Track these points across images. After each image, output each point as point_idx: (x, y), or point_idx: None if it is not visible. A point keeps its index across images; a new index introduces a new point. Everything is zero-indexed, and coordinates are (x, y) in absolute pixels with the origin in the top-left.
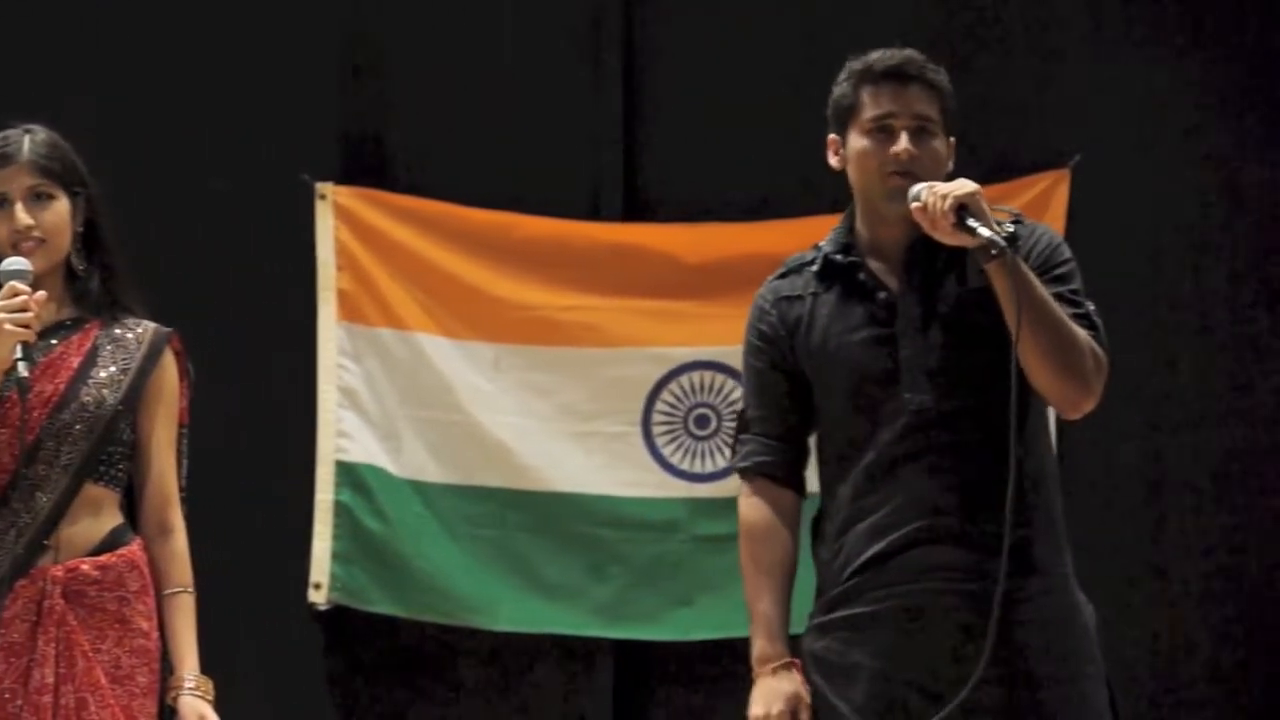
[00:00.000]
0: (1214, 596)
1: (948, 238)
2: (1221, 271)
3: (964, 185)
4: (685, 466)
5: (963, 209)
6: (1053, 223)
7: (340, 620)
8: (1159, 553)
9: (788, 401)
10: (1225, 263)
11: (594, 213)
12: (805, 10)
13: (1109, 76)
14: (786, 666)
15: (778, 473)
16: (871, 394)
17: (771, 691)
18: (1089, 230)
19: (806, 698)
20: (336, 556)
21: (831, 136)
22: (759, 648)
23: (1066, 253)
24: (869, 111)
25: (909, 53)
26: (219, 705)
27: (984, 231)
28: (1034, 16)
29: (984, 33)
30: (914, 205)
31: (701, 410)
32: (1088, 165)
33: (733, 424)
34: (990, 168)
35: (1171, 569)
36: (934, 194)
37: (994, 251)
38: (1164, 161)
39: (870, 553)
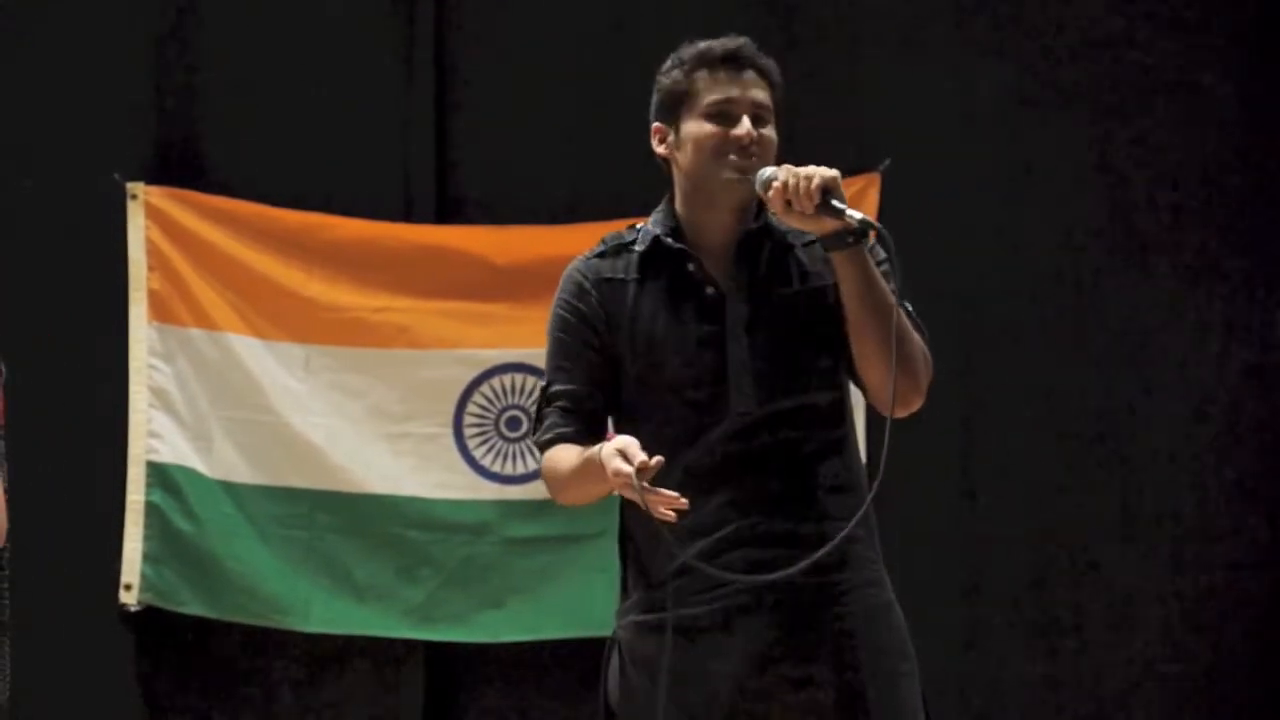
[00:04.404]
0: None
1: (801, 221)
2: (1028, 275)
3: (827, 169)
4: (496, 469)
5: (827, 191)
6: None
7: (151, 621)
8: (965, 548)
9: (595, 383)
10: (1032, 266)
11: (406, 214)
12: (617, 15)
13: (920, 81)
14: None
15: (579, 441)
16: (697, 393)
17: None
18: (898, 234)
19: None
20: (147, 557)
21: (656, 125)
22: (590, 452)
23: (880, 253)
24: (708, 96)
25: (743, 40)
26: (29, 706)
27: (854, 214)
28: (845, 20)
29: (795, 34)
30: (774, 184)
31: (513, 412)
32: (898, 169)
33: None
34: None
35: (978, 564)
36: (795, 175)
37: (850, 240)
38: (973, 166)
39: (692, 552)
